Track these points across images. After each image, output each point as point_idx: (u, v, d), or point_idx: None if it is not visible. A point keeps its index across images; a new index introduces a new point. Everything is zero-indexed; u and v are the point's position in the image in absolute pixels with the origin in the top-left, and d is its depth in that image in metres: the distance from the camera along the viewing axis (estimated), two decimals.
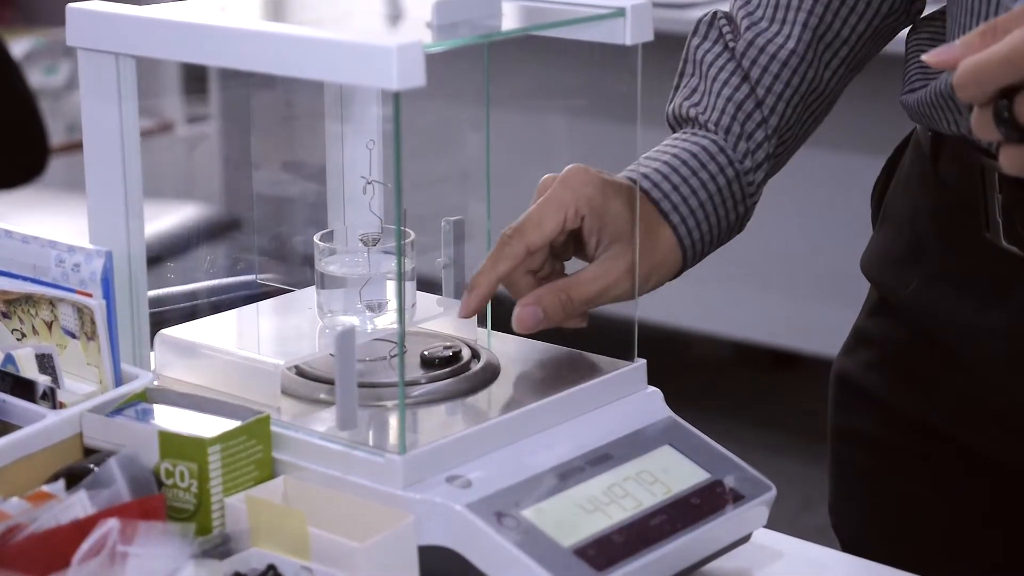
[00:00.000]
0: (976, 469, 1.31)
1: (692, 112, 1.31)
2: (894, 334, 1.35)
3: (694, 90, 1.32)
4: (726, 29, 1.33)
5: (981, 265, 1.25)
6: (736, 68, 1.31)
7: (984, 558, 1.33)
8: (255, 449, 1.07)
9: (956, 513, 1.34)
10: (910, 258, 1.31)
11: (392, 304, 1.20)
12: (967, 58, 0.99)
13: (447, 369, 1.17)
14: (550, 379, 1.18)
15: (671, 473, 1.13)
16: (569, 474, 1.10)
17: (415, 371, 1.17)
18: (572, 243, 1.24)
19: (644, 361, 1.21)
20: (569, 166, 1.22)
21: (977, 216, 1.23)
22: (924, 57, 1.04)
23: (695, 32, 1.34)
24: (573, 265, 1.24)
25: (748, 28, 1.32)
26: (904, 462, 1.35)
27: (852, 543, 1.39)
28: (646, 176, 1.27)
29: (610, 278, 1.21)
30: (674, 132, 1.33)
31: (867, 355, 1.37)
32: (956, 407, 1.30)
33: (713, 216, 1.28)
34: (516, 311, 1.19)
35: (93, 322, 1.12)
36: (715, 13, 1.34)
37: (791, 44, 1.31)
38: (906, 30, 1.36)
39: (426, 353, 1.18)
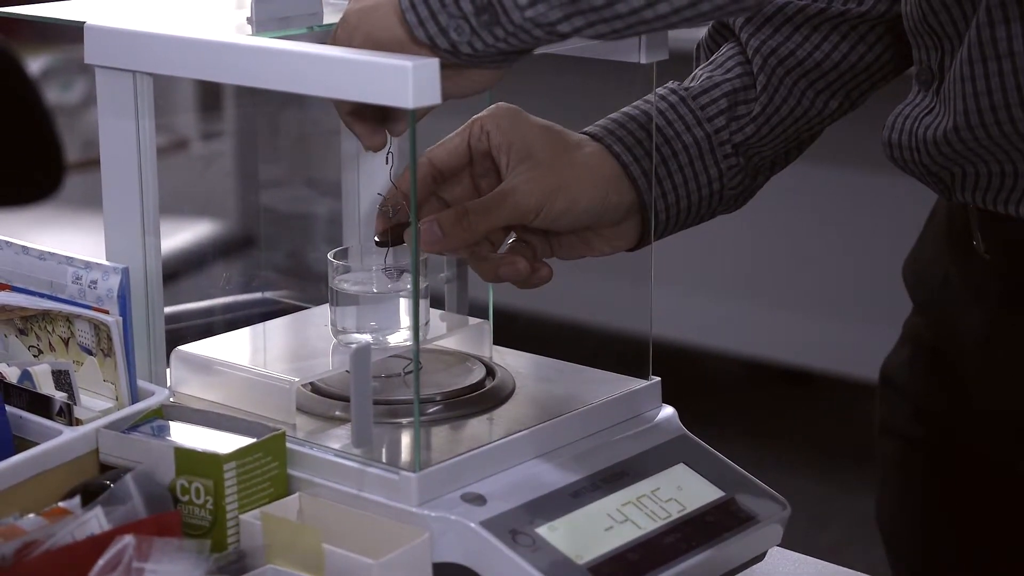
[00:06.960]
0: (984, 468, 1.31)
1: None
2: (921, 334, 1.37)
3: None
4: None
5: (971, 273, 1.26)
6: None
7: (1012, 554, 1.33)
8: (270, 466, 1.07)
9: (982, 513, 1.34)
10: (934, 260, 1.33)
11: (406, 322, 1.20)
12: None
13: (462, 386, 1.18)
14: (565, 397, 1.18)
15: (685, 491, 1.13)
16: (583, 492, 1.10)
17: (430, 388, 1.17)
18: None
19: (659, 379, 1.21)
20: None
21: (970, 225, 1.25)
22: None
23: None
24: None
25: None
26: (931, 457, 1.36)
27: (889, 537, 1.41)
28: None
29: (506, 186, 1.16)
30: None
31: (903, 353, 1.39)
32: (960, 407, 1.31)
33: (644, 131, 1.22)
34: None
35: (109, 339, 1.12)
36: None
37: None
38: None
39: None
